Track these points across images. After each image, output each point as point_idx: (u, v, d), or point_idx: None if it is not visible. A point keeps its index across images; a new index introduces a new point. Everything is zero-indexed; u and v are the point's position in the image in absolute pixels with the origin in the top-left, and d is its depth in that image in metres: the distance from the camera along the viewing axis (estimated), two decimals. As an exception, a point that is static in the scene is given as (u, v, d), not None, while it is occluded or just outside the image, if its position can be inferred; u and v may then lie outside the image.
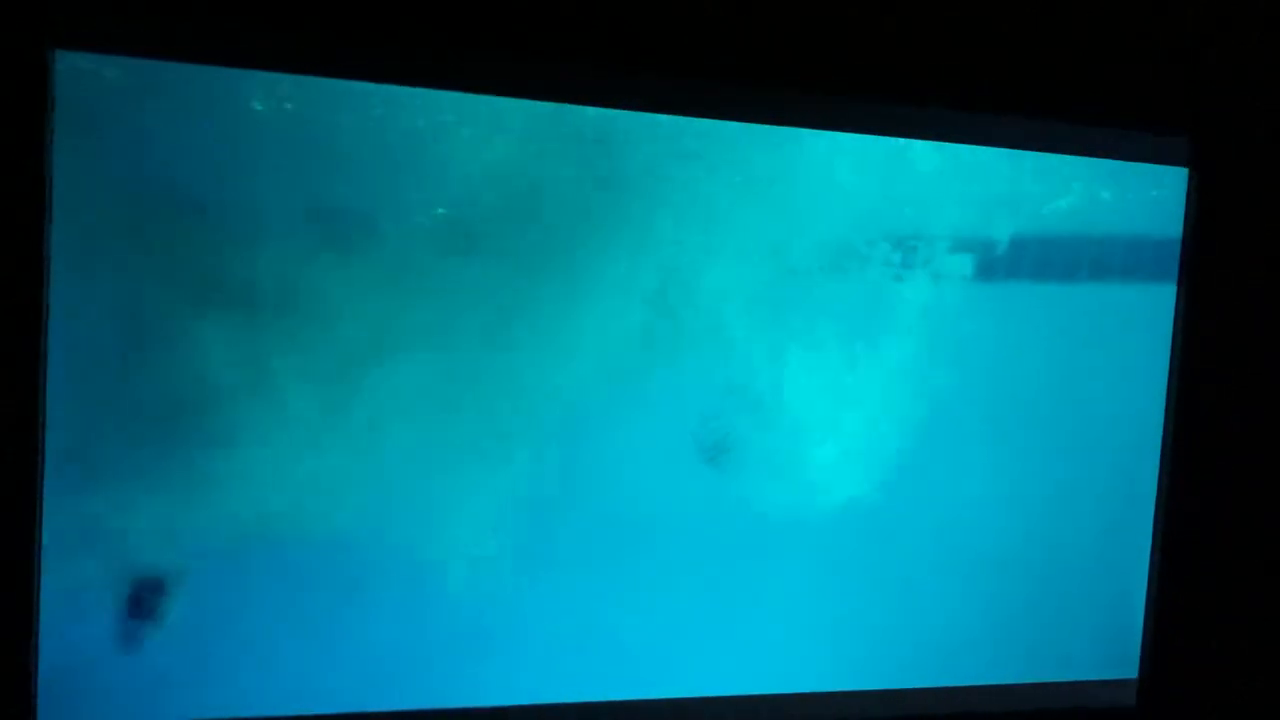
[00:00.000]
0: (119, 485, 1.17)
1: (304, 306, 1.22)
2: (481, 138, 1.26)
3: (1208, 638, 1.25)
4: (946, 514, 1.44)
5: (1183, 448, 1.23)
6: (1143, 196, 1.37)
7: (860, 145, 1.24)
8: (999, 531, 1.36)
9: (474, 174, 1.29)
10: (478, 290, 1.28)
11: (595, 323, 1.34)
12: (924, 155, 1.33)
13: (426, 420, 1.28)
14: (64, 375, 1.01)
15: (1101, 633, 1.28)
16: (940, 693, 1.24)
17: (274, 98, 1.23)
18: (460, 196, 1.31)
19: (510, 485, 1.31)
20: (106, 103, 1.09)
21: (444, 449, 1.29)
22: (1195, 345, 1.23)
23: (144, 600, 1.22)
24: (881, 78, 1.13)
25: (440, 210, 1.33)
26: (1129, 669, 1.26)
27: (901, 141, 1.24)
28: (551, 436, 1.34)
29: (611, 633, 1.22)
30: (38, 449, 0.98)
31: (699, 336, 1.36)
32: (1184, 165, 1.22)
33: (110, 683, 1.13)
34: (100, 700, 1.12)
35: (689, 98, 1.12)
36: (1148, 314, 1.43)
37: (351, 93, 1.21)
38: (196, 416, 1.18)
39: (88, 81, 1.07)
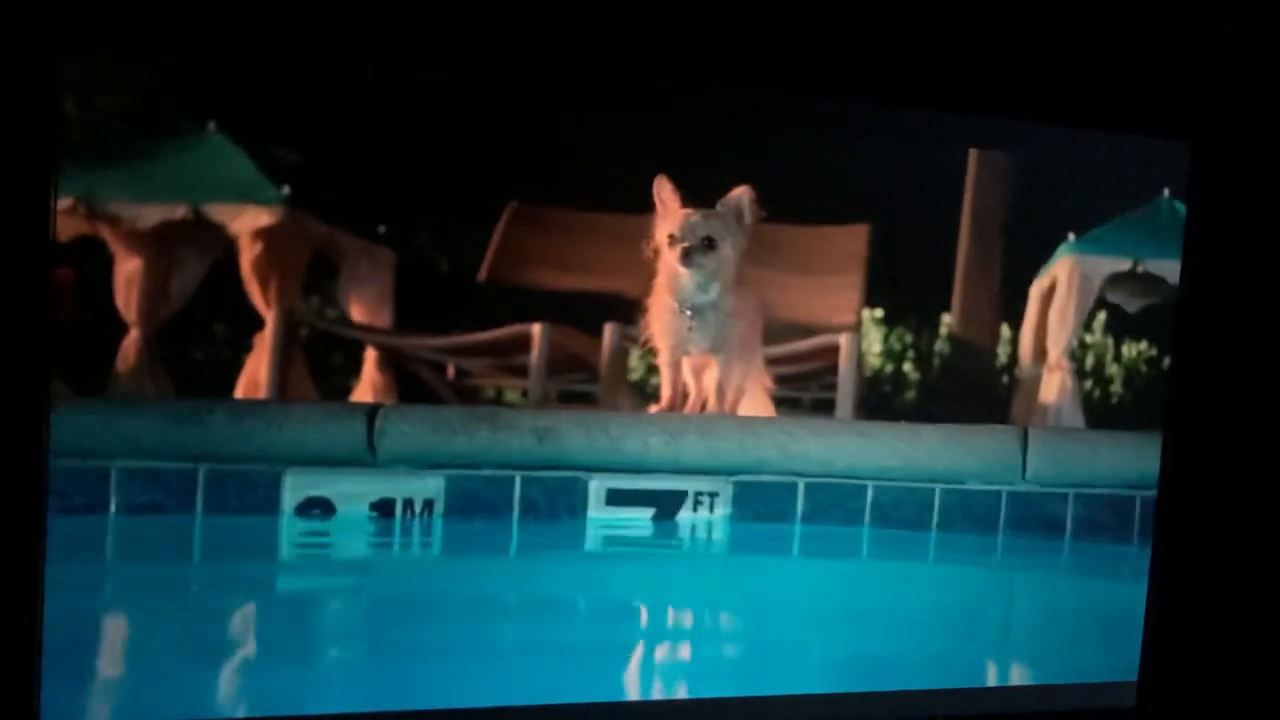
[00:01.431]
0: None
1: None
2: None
3: (1207, 639, 1.22)
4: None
5: (1182, 447, 1.19)
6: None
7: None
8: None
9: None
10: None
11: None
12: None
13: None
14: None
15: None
16: (936, 695, 1.22)
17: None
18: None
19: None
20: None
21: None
22: (1194, 348, 1.19)
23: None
24: (876, 79, 1.10)
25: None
26: (1128, 671, 1.21)
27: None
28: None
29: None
30: (41, 450, 0.92)
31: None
32: (1184, 169, 1.19)
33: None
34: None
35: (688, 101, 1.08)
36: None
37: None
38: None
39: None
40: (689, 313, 1.62)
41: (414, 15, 1.01)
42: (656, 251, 1.59)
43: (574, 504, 1.59)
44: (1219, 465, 1.21)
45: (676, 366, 1.68)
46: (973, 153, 1.43)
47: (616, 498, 1.62)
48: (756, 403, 1.77)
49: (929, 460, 1.73)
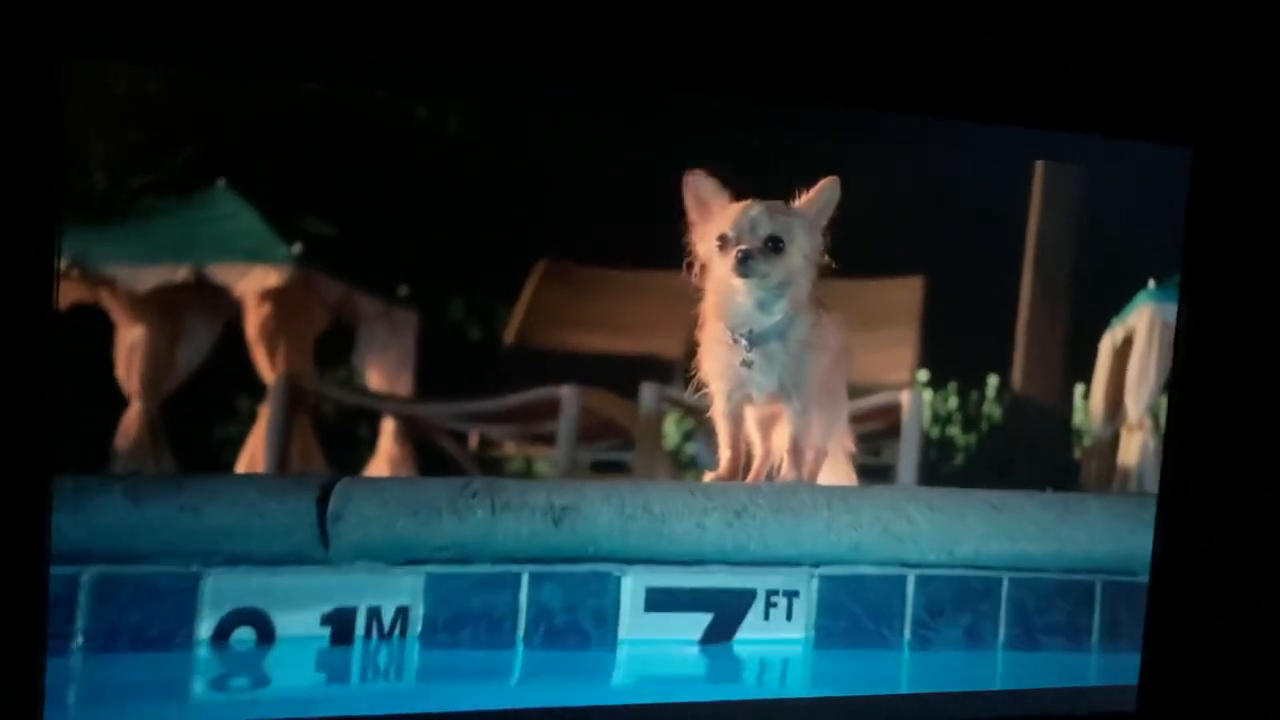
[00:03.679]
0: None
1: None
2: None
3: (1207, 643, 1.24)
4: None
5: (1183, 451, 1.21)
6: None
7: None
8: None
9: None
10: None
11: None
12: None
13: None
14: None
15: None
16: (938, 698, 1.18)
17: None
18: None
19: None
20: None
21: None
22: (1195, 354, 1.22)
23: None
24: (875, 84, 1.10)
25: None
26: (1128, 674, 1.24)
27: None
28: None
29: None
30: (44, 450, 0.92)
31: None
32: (1185, 175, 1.20)
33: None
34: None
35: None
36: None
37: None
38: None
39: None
40: (746, 343, 1.19)
41: (443, 60, 1.01)
42: (702, 267, 1.18)
43: (602, 610, 1.17)
44: (1220, 469, 1.21)
45: (737, 419, 1.25)
46: (1036, 193, 1.30)
47: (660, 600, 1.19)
48: (837, 469, 1.34)
49: (1088, 543, 1.27)
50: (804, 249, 1.17)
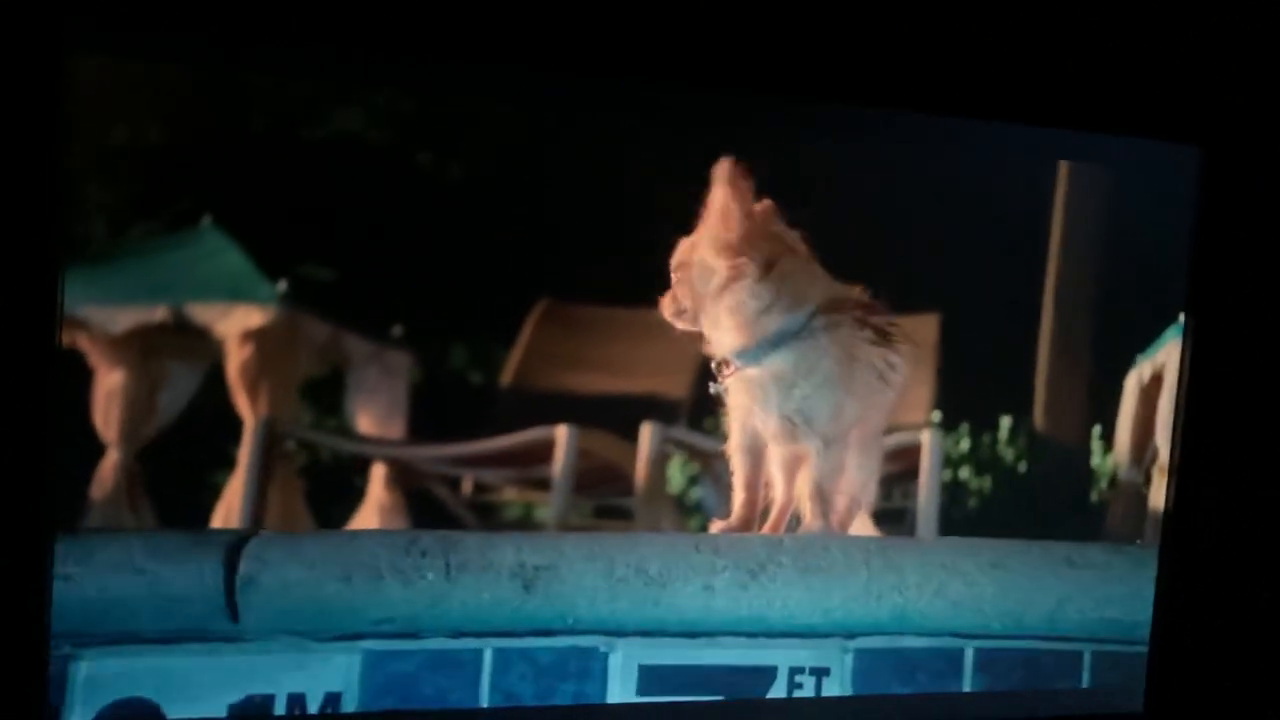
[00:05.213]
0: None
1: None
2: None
3: (1214, 644, 1.23)
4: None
5: (1191, 456, 1.22)
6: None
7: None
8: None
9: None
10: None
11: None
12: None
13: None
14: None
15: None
16: (941, 699, 1.07)
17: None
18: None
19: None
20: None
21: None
22: (1202, 361, 1.22)
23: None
24: (880, 83, 1.11)
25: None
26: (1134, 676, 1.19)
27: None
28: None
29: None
30: (45, 451, 0.88)
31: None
32: (1195, 176, 1.21)
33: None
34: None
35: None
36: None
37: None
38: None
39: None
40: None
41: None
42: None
43: (583, 695, 0.95)
44: (1228, 472, 1.24)
45: (756, 455, 1.01)
46: (1057, 221, 1.23)
47: (656, 681, 0.96)
48: (863, 521, 1.10)
49: (1190, 610, 1.04)
50: None
